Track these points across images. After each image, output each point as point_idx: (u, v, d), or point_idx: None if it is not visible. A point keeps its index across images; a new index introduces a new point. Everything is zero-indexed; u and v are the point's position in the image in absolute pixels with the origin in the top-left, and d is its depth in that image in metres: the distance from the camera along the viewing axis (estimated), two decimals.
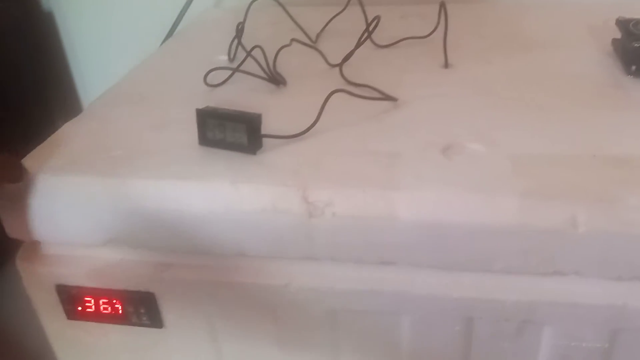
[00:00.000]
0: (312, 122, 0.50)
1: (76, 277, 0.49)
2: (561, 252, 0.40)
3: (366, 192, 0.43)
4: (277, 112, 0.54)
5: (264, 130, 0.48)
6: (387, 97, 0.55)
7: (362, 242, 0.43)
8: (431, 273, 0.44)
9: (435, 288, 0.43)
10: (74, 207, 0.47)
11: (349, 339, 0.47)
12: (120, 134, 0.53)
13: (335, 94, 0.52)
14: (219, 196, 0.45)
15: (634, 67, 0.55)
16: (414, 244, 0.43)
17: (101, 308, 0.50)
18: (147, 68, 0.69)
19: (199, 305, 0.49)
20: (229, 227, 0.45)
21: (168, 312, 0.50)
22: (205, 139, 0.50)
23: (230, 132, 0.48)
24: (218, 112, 0.49)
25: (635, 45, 0.54)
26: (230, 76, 0.62)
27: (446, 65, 0.63)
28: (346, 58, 0.63)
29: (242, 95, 0.59)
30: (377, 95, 0.56)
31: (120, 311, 0.50)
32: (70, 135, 0.54)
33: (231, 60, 0.68)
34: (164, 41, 0.82)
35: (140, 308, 0.49)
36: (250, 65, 0.62)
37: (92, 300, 0.50)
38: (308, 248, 0.44)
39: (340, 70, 0.61)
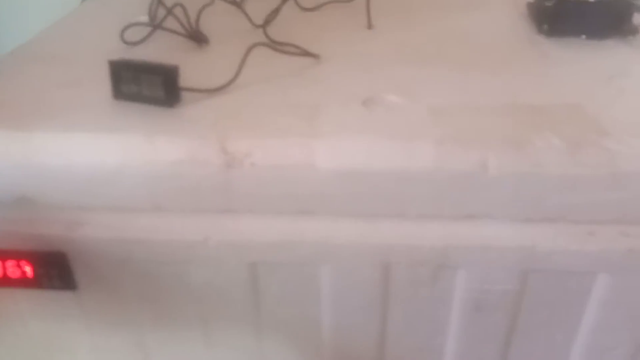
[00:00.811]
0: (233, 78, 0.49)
1: None
2: (473, 195, 0.42)
3: (285, 141, 0.43)
4: (198, 69, 0.52)
5: (184, 86, 0.47)
6: (308, 54, 0.55)
7: (281, 192, 0.43)
8: (349, 221, 0.44)
9: (354, 236, 0.44)
10: None
11: (270, 291, 0.46)
12: (30, 91, 0.50)
13: (258, 53, 0.51)
14: (132, 149, 0.43)
15: (545, 26, 0.57)
16: (333, 192, 0.43)
17: (9, 272, 0.47)
18: (61, 27, 0.66)
19: (113, 264, 0.47)
20: (144, 181, 0.43)
21: (81, 274, 0.47)
22: (120, 92, 0.48)
23: (146, 84, 0.47)
24: (133, 64, 0.47)
25: (547, 4, 0.56)
26: (150, 34, 0.60)
27: (369, 26, 0.63)
28: (270, 18, 0.62)
29: (162, 53, 0.57)
30: (298, 51, 0.55)
31: (30, 274, 0.47)
32: None
33: (152, 20, 0.66)
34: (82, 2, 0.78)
35: (51, 270, 0.47)
36: (172, 25, 0.60)
37: None
38: (226, 200, 0.44)
39: (264, 30, 0.60)
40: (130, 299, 0.48)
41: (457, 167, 0.41)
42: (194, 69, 0.51)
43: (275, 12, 0.63)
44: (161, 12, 0.64)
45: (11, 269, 0.47)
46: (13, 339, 0.52)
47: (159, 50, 0.58)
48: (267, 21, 0.61)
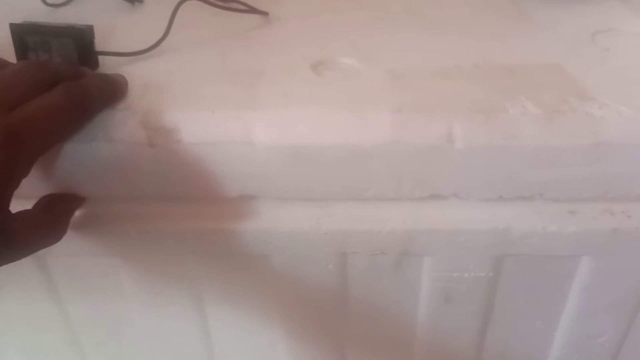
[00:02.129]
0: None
1: None
2: (438, 171, 0.36)
3: (216, 113, 0.36)
4: (128, 31, 0.46)
5: (106, 49, 0.40)
6: (255, 11, 0.48)
7: (215, 174, 0.37)
8: (298, 205, 0.38)
9: (303, 222, 0.38)
10: None
11: (210, 287, 0.41)
12: None
13: (198, 12, 0.45)
14: None
15: None
16: (276, 172, 0.37)
17: None
18: None
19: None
20: (50, 164, 0.37)
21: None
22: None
23: (57, 50, 0.40)
24: (38, 27, 0.40)
25: None
26: None
27: None
28: None
29: (90, 15, 0.50)
30: (244, 8, 0.48)
31: None
32: None
33: None
34: None
35: None
36: None
37: None
38: (153, 185, 0.37)
39: None
40: (56, 299, 0.43)
41: (418, 139, 0.35)
42: (124, 31, 0.45)
43: None
44: None
45: None
46: None
47: (85, 11, 0.51)
48: None
